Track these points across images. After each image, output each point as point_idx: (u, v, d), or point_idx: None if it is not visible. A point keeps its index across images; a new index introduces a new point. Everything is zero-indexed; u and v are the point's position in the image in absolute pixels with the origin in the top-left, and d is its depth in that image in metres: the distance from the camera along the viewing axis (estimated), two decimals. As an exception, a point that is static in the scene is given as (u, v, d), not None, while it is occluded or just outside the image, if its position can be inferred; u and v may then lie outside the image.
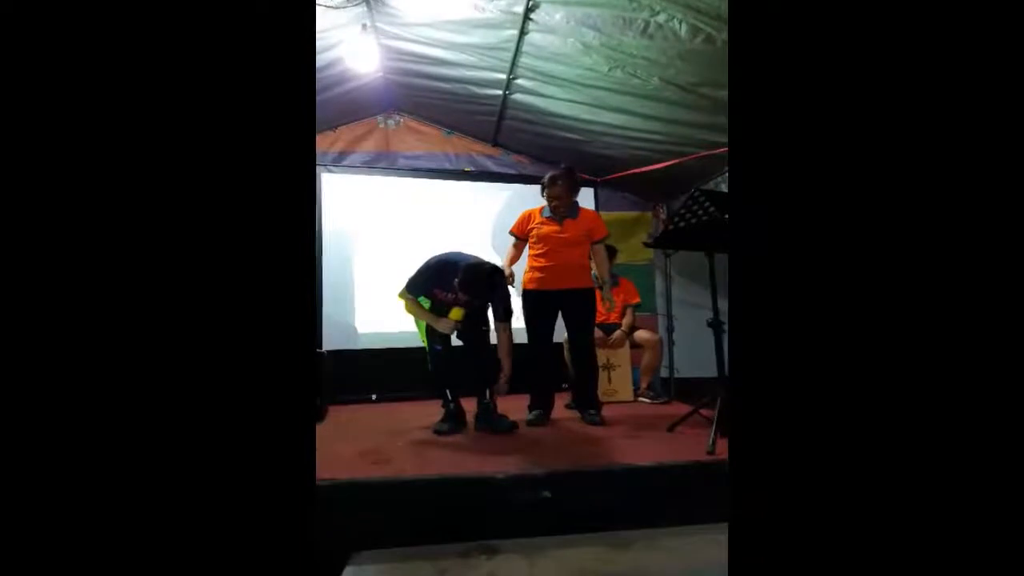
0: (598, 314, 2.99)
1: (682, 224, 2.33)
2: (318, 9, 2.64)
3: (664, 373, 4.14)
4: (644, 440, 2.31)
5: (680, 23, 2.30)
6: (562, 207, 2.78)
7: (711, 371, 2.42)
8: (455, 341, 2.69)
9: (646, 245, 3.88)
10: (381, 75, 3.67)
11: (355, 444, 2.31)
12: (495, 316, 2.66)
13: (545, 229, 2.81)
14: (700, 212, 2.27)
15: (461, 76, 3.41)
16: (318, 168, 4.01)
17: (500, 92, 3.45)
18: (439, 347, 2.58)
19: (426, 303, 2.62)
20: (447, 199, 4.28)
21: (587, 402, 2.83)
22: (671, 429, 2.42)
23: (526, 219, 2.91)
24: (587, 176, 4.10)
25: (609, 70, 2.78)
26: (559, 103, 3.37)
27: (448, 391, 2.63)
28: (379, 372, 3.91)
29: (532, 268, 2.83)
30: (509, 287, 2.70)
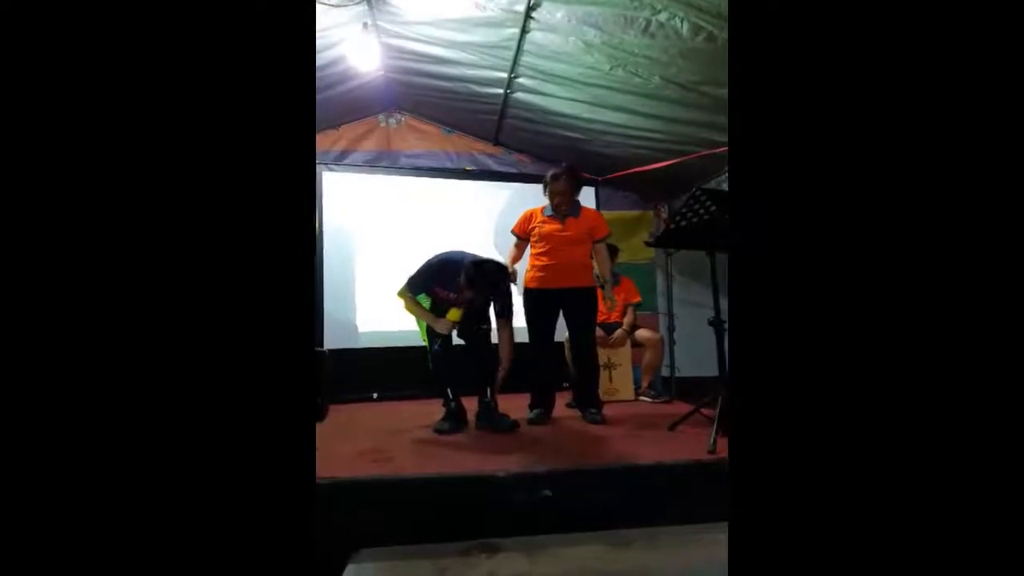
0: (599, 313, 2.98)
1: (683, 223, 2.33)
2: (319, 8, 2.65)
3: (665, 372, 4.14)
4: (645, 439, 2.31)
5: (681, 21, 2.30)
6: (564, 204, 2.78)
7: (712, 370, 2.41)
8: (456, 340, 2.69)
9: (647, 244, 3.89)
10: (382, 74, 3.67)
11: (356, 443, 2.31)
12: (496, 313, 2.66)
13: (547, 228, 2.81)
14: (701, 211, 2.27)
15: (462, 75, 3.41)
16: (319, 167, 4.02)
17: (501, 91, 3.45)
18: (438, 346, 2.58)
19: (426, 302, 2.62)
20: (448, 198, 4.28)
21: (588, 401, 2.83)
22: (672, 428, 2.42)
23: (527, 218, 2.91)
24: (588, 175, 4.10)
25: (610, 69, 2.78)
26: (560, 102, 3.37)
27: (449, 390, 2.63)
28: (380, 371, 3.91)
29: (534, 267, 2.83)
30: (511, 285, 2.70)
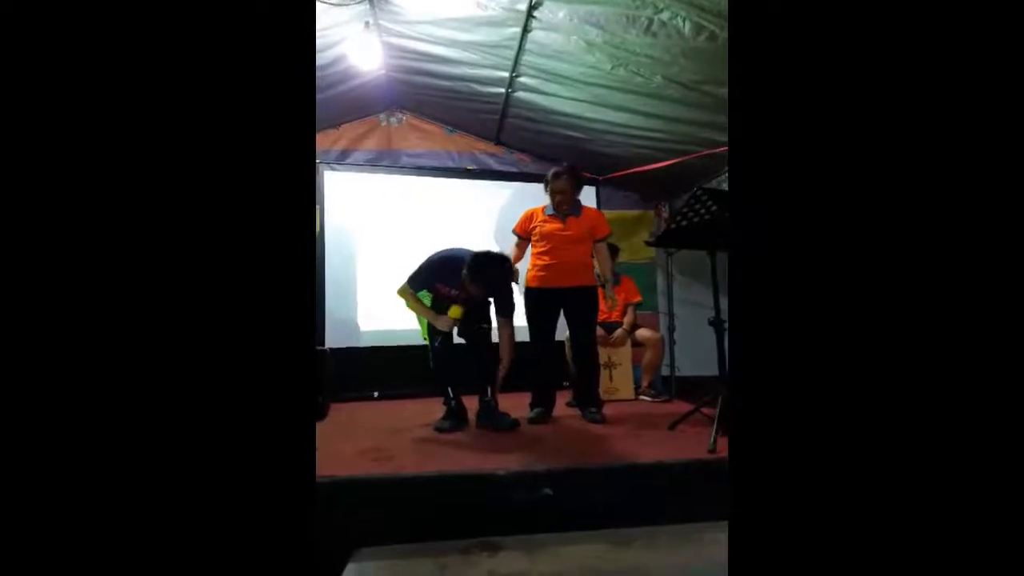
0: (600, 312, 2.99)
1: (684, 223, 2.33)
2: (321, 7, 2.65)
3: (665, 371, 4.14)
4: (645, 438, 2.31)
5: (683, 21, 2.30)
6: (565, 203, 2.78)
7: (712, 370, 2.41)
8: (457, 340, 2.69)
9: (648, 244, 3.89)
10: (384, 73, 3.67)
11: (356, 442, 2.31)
12: (497, 311, 2.65)
13: (548, 227, 2.81)
14: (702, 211, 2.27)
15: (464, 74, 3.41)
16: (321, 166, 4.02)
17: (503, 90, 3.45)
18: (438, 344, 2.58)
19: (427, 299, 2.62)
20: (449, 197, 4.28)
21: (588, 400, 2.83)
22: (672, 427, 2.42)
23: (528, 218, 2.91)
24: (589, 174, 4.09)
25: (612, 68, 2.78)
26: (562, 101, 3.37)
27: (449, 389, 2.63)
28: (381, 370, 3.91)
29: (535, 266, 2.83)
30: (513, 284, 2.70)
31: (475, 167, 4.44)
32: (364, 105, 4.10)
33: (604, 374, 3.33)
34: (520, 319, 2.76)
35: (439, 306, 2.59)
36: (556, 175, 2.76)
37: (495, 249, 2.63)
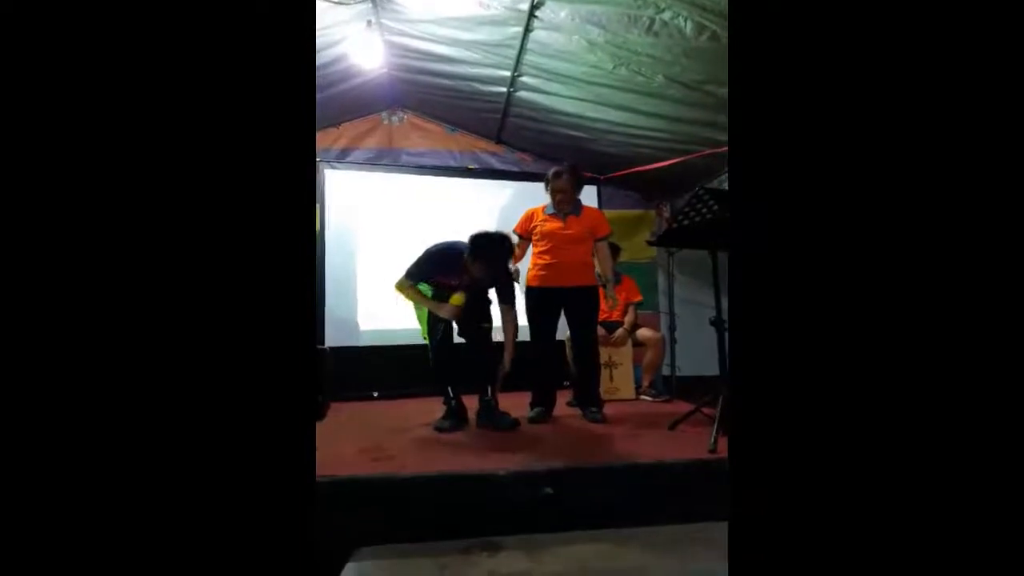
0: (600, 312, 2.98)
1: (686, 222, 2.32)
2: (323, 5, 2.65)
3: (666, 371, 4.14)
4: (645, 438, 2.31)
5: (685, 20, 2.29)
6: (566, 202, 2.78)
7: (713, 369, 2.41)
8: (457, 339, 2.69)
9: (650, 243, 3.88)
10: (385, 72, 3.67)
11: (356, 441, 2.31)
12: (500, 298, 2.65)
13: (548, 226, 2.81)
14: (704, 210, 2.26)
15: (465, 73, 3.41)
16: (321, 164, 4.02)
17: (504, 89, 3.45)
18: (438, 340, 2.57)
19: (427, 291, 2.62)
20: (450, 196, 4.28)
21: (589, 400, 2.83)
22: (672, 427, 2.42)
23: (529, 218, 2.91)
24: (591, 174, 4.09)
25: (614, 68, 2.77)
26: (563, 100, 3.37)
27: (450, 388, 2.63)
28: (381, 369, 3.91)
29: (536, 265, 2.82)
30: (515, 283, 2.70)
31: (476, 166, 4.43)
32: (365, 104, 4.10)
33: (605, 374, 3.33)
34: (520, 319, 2.76)
35: (440, 296, 2.58)
36: (557, 174, 2.76)
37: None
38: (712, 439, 1.99)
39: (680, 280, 4.45)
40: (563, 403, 3.04)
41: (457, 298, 2.54)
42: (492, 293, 2.68)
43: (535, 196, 3.19)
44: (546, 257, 2.79)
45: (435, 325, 2.59)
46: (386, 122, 4.33)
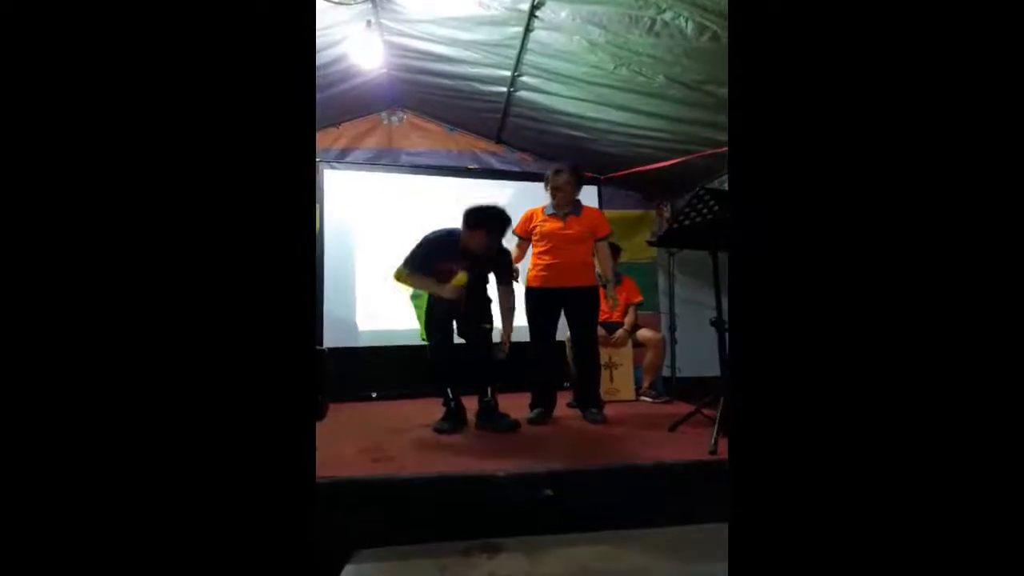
0: (601, 312, 2.98)
1: (687, 223, 2.32)
2: (323, 5, 2.65)
3: (666, 372, 4.13)
4: (646, 439, 2.30)
5: (686, 21, 2.29)
6: (565, 200, 2.78)
7: (714, 370, 2.41)
8: (457, 339, 2.68)
9: (650, 244, 3.88)
10: (385, 71, 3.66)
11: (355, 442, 2.31)
12: (498, 279, 2.65)
13: (548, 226, 2.81)
14: (705, 211, 2.26)
15: (465, 73, 3.41)
16: (321, 164, 4.02)
17: (504, 89, 3.45)
18: (436, 340, 2.56)
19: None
20: (450, 196, 4.23)
21: (589, 401, 2.82)
22: (673, 428, 2.41)
23: (528, 218, 2.90)
24: (591, 174, 4.09)
25: (615, 68, 2.77)
26: (564, 101, 3.36)
27: (449, 389, 2.62)
28: (380, 370, 3.91)
29: (536, 266, 2.82)
30: (514, 283, 2.70)
31: (476, 166, 4.43)
32: (365, 104, 4.10)
33: (605, 374, 3.33)
34: (520, 319, 2.75)
35: (442, 280, 2.55)
36: (556, 172, 2.76)
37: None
38: (712, 440, 1.99)
39: (680, 280, 4.44)
40: (563, 404, 3.04)
41: (460, 277, 2.50)
42: (492, 293, 2.68)
43: (535, 196, 3.19)
44: (546, 257, 2.78)
45: (434, 325, 2.57)
46: (386, 122, 4.32)
